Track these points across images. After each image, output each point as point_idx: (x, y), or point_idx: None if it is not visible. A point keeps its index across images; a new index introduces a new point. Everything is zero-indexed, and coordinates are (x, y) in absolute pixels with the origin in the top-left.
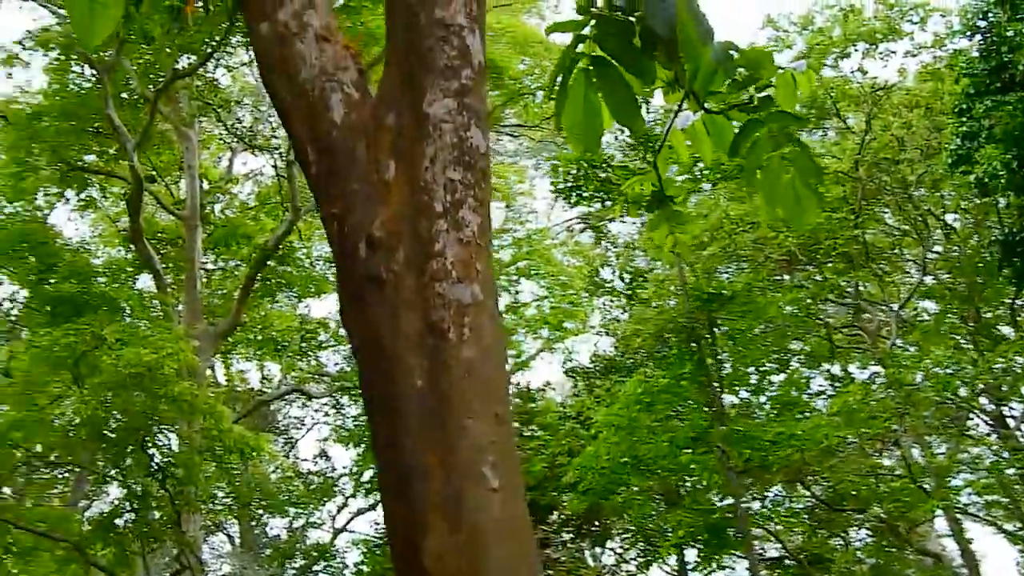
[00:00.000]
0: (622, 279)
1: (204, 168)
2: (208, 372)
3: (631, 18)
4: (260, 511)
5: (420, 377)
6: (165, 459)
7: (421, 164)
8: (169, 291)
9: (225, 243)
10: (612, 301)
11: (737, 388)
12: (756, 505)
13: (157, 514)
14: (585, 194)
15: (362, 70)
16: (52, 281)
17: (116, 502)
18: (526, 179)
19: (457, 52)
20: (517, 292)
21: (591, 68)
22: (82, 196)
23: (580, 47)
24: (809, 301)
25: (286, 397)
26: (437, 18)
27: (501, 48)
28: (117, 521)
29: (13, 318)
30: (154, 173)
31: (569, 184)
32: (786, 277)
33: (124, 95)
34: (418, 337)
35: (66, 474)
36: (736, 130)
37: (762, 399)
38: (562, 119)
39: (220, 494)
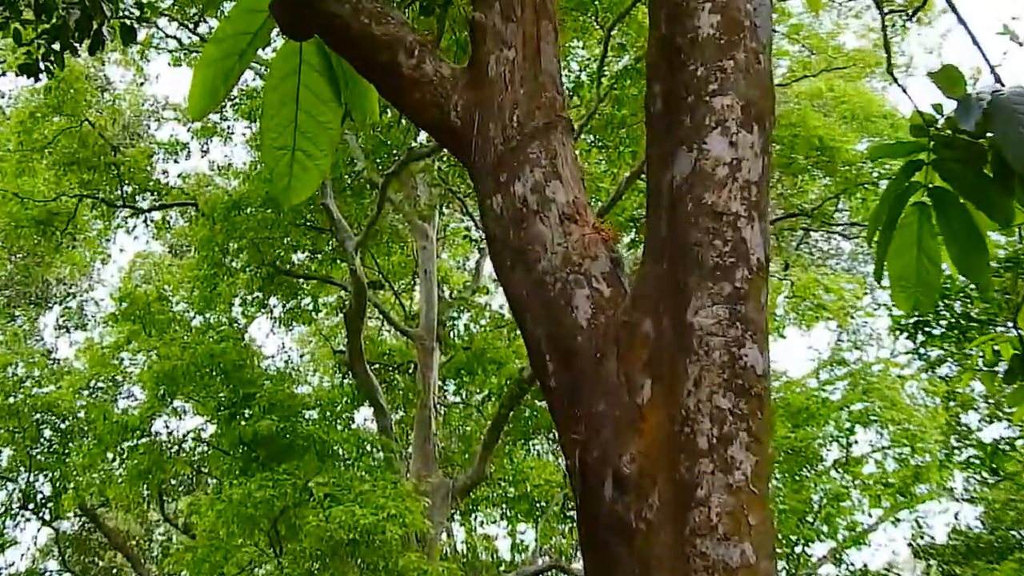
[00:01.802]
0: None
1: (445, 272)
2: (443, 537)
3: (981, 141)
4: None
5: None
6: None
7: (683, 387)
8: (395, 432)
9: (469, 370)
10: (978, 459)
11: None
12: None
13: None
14: (935, 332)
15: (617, 260)
16: (248, 415)
17: None
18: (865, 290)
19: (730, 248)
20: (850, 444)
21: (928, 203)
22: (289, 306)
23: (914, 175)
24: None
25: (543, 574)
26: (706, 205)
27: (832, 122)
28: None
29: (197, 460)
30: (381, 279)
31: (913, 320)
32: None
33: (347, 178)
34: None
35: None
36: None
37: None
38: (887, 266)
39: None
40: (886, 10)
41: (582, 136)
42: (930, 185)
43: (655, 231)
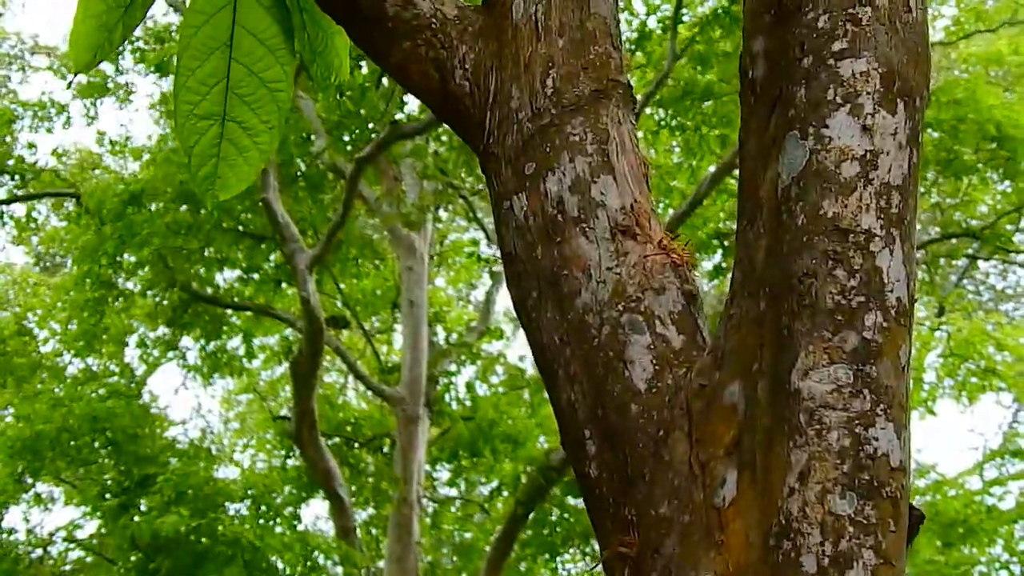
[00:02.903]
0: None
1: (440, 306)
2: None
3: None
4: None
5: None
6: None
7: (783, 482)
8: (361, 537)
9: (472, 451)
10: None
11: None
12: None
13: None
14: None
15: (692, 295)
16: (145, 508)
17: None
18: None
19: (859, 282)
20: None
21: None
22: (210, 350)
23: None
24: None
25: None
26: (825, 218)
27: (1017, 101)
28: None
29: (70, 572)
30: (346, 313)
31: None
32: None
33: (300, 164)
34: None
35: None
36: None
37: None
38: None
39: None
40: None
41: (648, 111)
42: None
43: (749, 255)
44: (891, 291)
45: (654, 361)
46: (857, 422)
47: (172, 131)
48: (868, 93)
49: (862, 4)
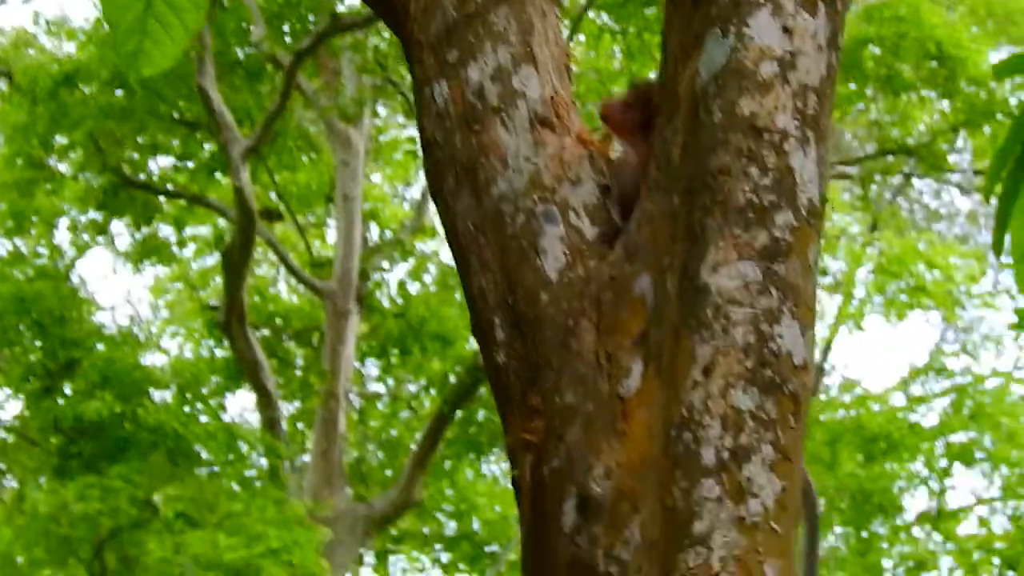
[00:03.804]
0: None
1: (375, 202)
2: None
3: None
4: None
5: None
6: None
7: (687, 375)
8: (286, 430)
9: (402, 347)
10: None
11: None
12: None
13: None
14: None
15: (608, 188)
16: (69, 391)
17: None
18: (985, 268)
19: (772, 180)
20: (945, 489)
21: None
22: (140, 236)
23: None
24: None
25: None
26: (742, 116)
27: (958, 20)
28: None
29: None
30: (279, 205)
31: None
32: None
33: (237, 52)
34: None
35: None
36: None
37: None
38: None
39: None
40: None
41: (590, 15)
42: None
43: (666, 151)
44: (803, 191)
45: (566, 252)
46: (763, 319)
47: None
48: None
49: None
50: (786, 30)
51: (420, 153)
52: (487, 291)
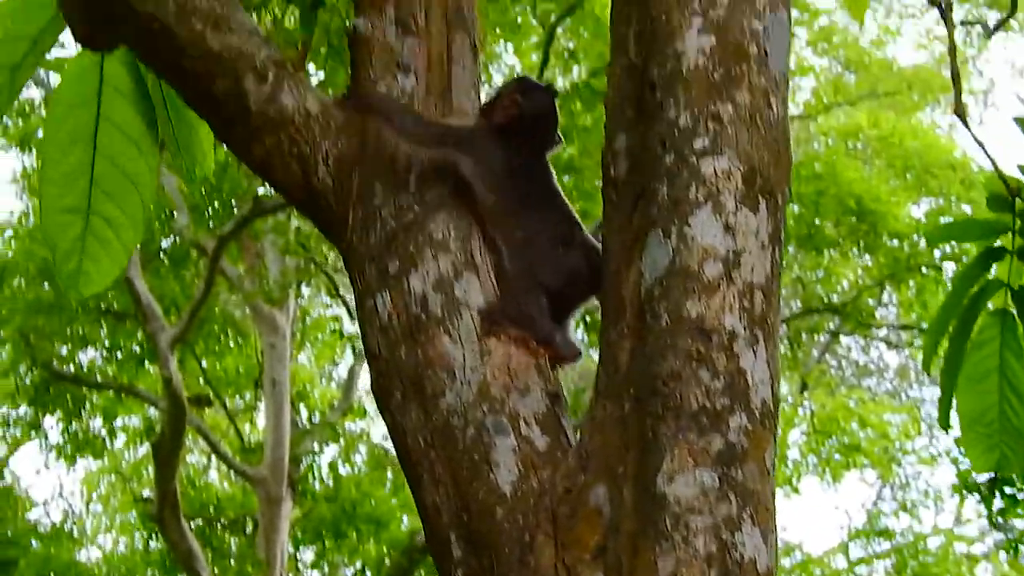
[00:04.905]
0: None
1: (303, 384)
2: None
3: None
4: None
5: None
6: None
7: None
8: None
9: (336, 532)
10: None
11: None
12: None
13: None
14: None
15: (556, 395)
16: None
17: None
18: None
19: (723, 384)
20: None
21: (1014, 311)
22: (73, 430)
23: (993, 268)
24: None
25: None
26: (689, 319)
27: (876, 174)
28: None
29: None
30: (208, 392)
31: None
32: None
33: (162, 240)
34: None
35: None
36: None
37: None
38: (956, 403)
39: None
40: (957, 21)
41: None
42: (1018, 286)
43: (614, 356)
44: (756, 393)
45: (519, 464)
46: (723, 527)
47: (37, 222)
48: (730, 191)
49: (723, 101)
50: (728, 228)
51: (351, 333)
52: (441, 507)
